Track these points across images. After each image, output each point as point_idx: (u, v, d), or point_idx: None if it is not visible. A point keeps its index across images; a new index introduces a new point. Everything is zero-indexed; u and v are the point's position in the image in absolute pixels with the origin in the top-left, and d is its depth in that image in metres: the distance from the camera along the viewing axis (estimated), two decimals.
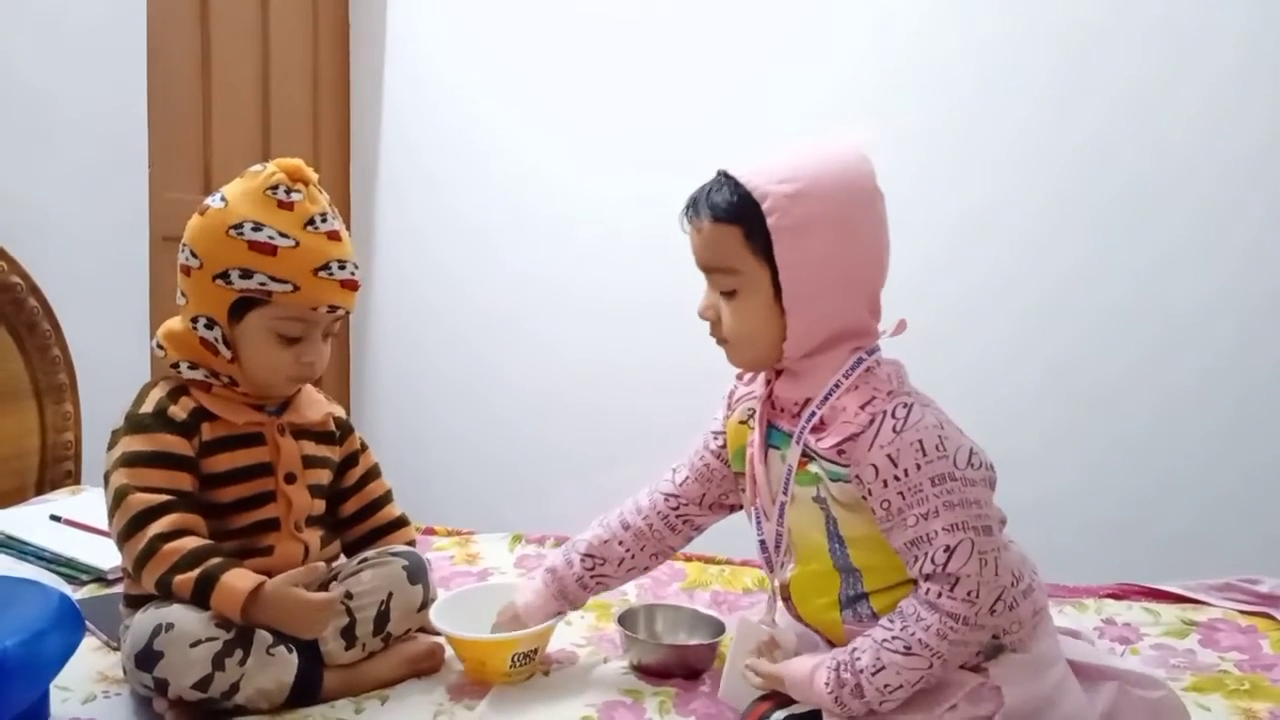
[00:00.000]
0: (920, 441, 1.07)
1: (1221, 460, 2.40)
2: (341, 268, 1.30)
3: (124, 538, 1.24)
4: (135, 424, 1.29)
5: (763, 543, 1.23)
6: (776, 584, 1.23)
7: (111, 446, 1.31)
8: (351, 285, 1.32)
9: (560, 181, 3.03)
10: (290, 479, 1.36)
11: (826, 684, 1.10)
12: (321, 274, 1.28)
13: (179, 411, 1.29)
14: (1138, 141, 2.48)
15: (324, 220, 1.29)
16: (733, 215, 1.13)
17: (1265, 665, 1.44)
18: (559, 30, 3.01)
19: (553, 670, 1.39)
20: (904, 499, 1.08)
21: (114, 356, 2.38)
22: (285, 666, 1.24)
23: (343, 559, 1.47)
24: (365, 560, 1.41)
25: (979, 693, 1.10)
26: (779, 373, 1.20)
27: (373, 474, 1.51)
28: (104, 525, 1.81)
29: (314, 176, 1.32)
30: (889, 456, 1.08)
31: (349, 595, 1.35)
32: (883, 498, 1.09)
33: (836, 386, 1.12)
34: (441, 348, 3.15)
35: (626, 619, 1.45)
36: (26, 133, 2.15)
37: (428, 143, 3.18)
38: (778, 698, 1.18)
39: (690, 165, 2.93)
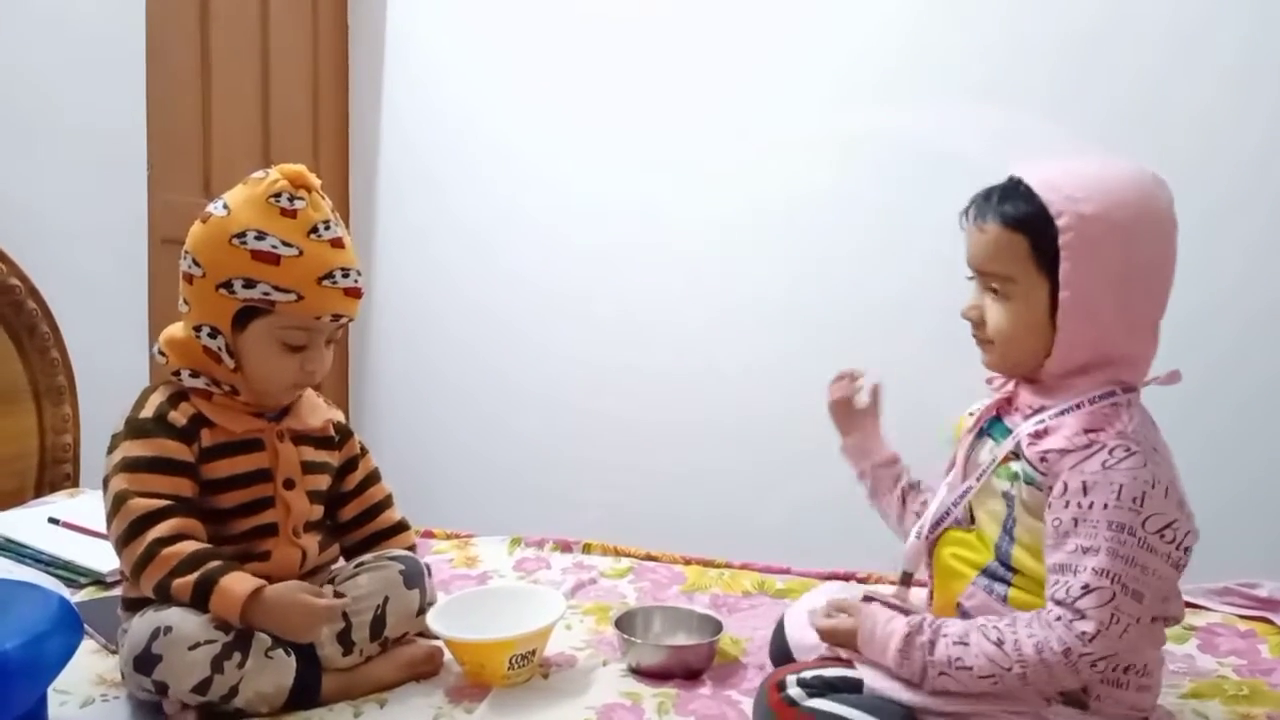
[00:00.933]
0: (1121, 486, 1.06)
1: (1220, 465, 2.39)
2: (345, 275, 1.29)
3: (123, 542, 1.24)
4: (135, 429, 1.29)
5: (939, 513, 1.23)
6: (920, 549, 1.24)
7: (111, 450, 1.30)
8: (355, 293, 1.31)
9: (561, 183, 3.02)
10: (289, 484, 1.35)
11: (907, 626, 1.10)
12: (325, 283, 1.27)
13: (179, 417, 1.29)
14: (1138, 141, 2.47)
15: (327, 228, 1.29)
16: (1022, 224, 1.12)
17: (1264, 670, 1.44)
18: (558, 31, 3.01)
19: (552, 673, 1.39)
20: (1076, 526, 1.07)
21: (113, 359, 2.38)
22: (283, 669, 1.24)
23: (341, 562, 1.47)
24: (362, 564, 1.41)
25: (1023, 716, 1.09)
26: (1031, 380, 1.19)
27: (372, 479, 1.51)
28: (102, 528, 1.81)
29: (317, 183, 1.31)
30: (1084, 483, 1.07)
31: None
32: (1057, 516, 1.08)
33: (1077, 407, 1.11)
34: (441, 349, 3.14)
35: (624, 621, 1.45)
36: (26, 135, 2.16)
37: (427, 145, 3.18)
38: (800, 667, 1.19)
39: (691, 167, 2.96)
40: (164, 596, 1.22)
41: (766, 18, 2.81)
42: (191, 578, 1.21)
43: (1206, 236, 2.42)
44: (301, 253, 1.25)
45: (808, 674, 1.16)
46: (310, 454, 1.40)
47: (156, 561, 1.21)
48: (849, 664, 1.17)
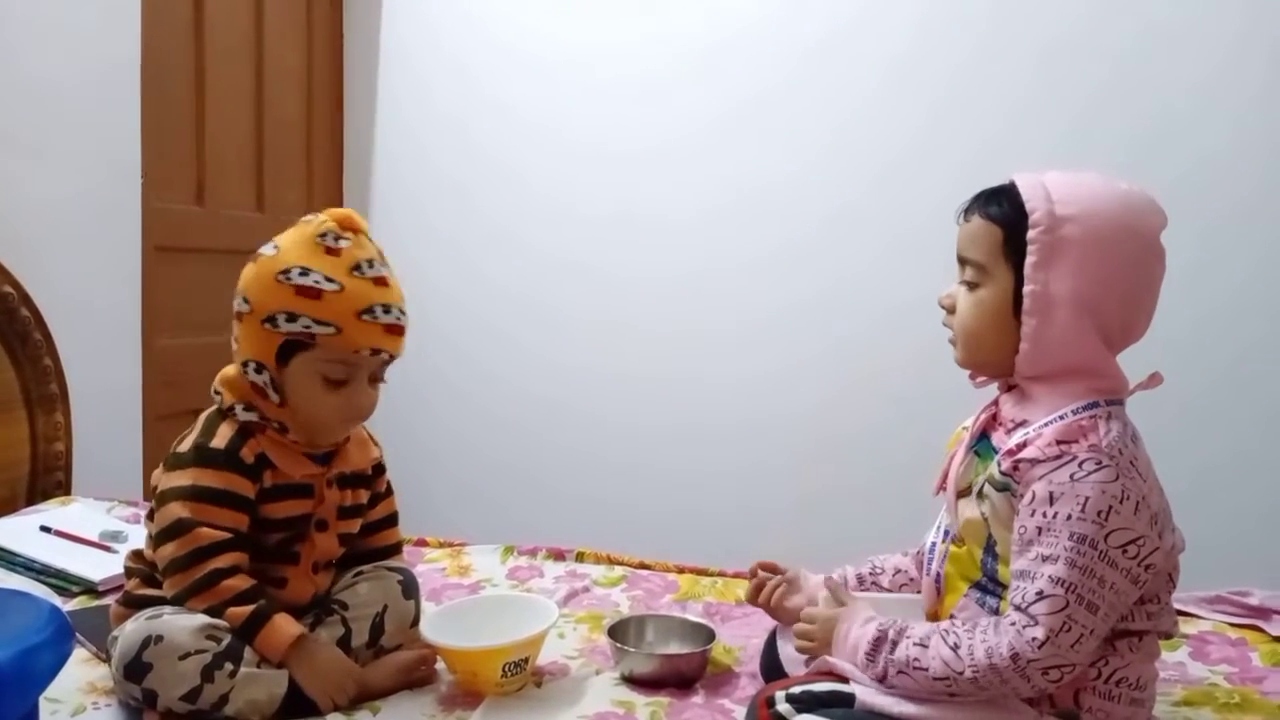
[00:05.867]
0: (1087, 499, 1.06)
1: (1212, 474, 2.40)
2: (386, 312, 1.31)
3: (181, 566, 1.26)
4: (206, 457, 1.30)
5: (940, 530, 1.25)
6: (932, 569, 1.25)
7: (173, 468, 1.31)
8: (396, 330, 1.33)
9: (555, 194, 3.04)
10: (321, 526, 1.38)
11: (879, 629, 1.13)
12: (365, 317, 1.29)
13: (248, 454, 1.31)
14: (1171, 164, 2.48)
15: (370, 266, 1.31)
16: (999, 217, 1.16)
17: (1255, 678, 1.44)
18: (552, 41, 3.02)
19: (545, 682, 1.39)
20: (1039, 534, 1.08)
21: (106, 367, 2.38)
22: (277, 679, 1.25)
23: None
24: (360, 573, 1.42)
25: None
26: (1011, 389, 1.21)
27: (389, 521, 1.52)
28: (93, 536, 1.82)
29: (365, 225, 1.35)
30: (1051, 493, 1.08)
31: (344, 606, 1.36)
32: (1023, 524, 1.10)
33: (1061, 418, 1.12)
34: (436, 356, 3.15)
35: (617, 630, 1.45)
36: (20, 143, 2.15)
37: (421, 152, 3.19)
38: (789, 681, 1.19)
39: (681, 178, 2.97)
40: (211, 616, 1.25)
41: (758, 31, 2.83)
42: (247, 609, 1.25)
43: (1211, 250, 2.44)
44: (343, 288, 1.28)
45: (797, 689, 1.16)
46: (350, 497, 1.42)
47: (215, 590, 1.25)
48: (840, 679, 1.17)
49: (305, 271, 1.27)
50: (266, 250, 1.32)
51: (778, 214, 2.82)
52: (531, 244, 3.07)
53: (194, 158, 2.67)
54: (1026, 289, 1.12)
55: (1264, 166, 2.44)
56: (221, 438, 1.31)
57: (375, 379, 1.37)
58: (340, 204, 3.20)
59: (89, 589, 1.68)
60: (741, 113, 2.84)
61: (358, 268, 1.30)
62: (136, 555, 1.38)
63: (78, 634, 1.32)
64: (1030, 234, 1.11)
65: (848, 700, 1.13)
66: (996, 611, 1.14)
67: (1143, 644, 1.14)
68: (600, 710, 1.30)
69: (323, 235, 1.30)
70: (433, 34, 3.15)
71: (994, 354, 1.18)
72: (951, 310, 1.22)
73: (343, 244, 1.30)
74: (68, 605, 1.58)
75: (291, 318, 1.27)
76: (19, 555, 1.73)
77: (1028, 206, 1.12)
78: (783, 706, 1.14)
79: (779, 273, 2.83)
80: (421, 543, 1.97)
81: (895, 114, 2.71)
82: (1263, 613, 1.63)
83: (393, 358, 1.36)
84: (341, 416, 1.34)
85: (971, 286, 1.19)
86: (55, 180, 2.24)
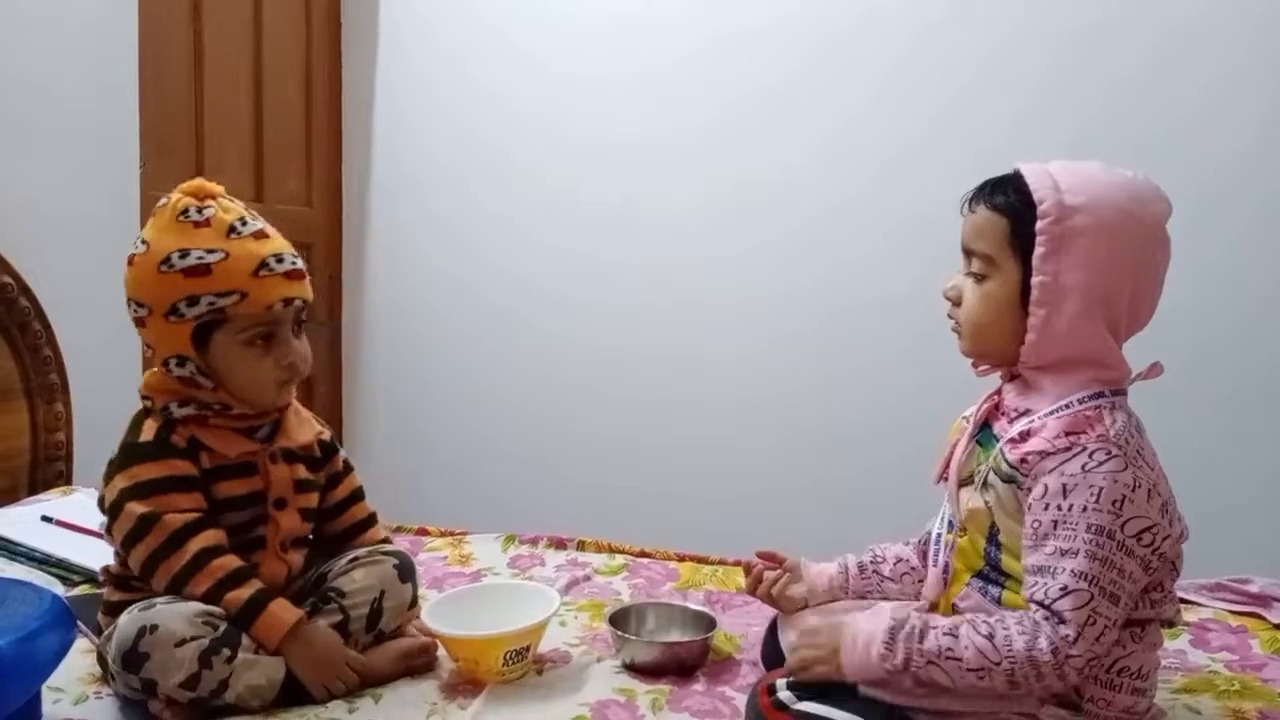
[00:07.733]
0: (1100, 489, 1.06)
1: (1212, 461, 2.40)
2: (279, 261, 1.29)
3: (162, 556, 1.25)
4: (139, 453, 1.29)
5: (943, 520, 1.24)
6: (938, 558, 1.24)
7: (112, 476, 1.30)
8: (297, 275, 1.31)
9: (553, 181, 3.03)
10: (280, 504, 1.36)
11: (891, 619, 1.10)
12: (262, 273, 1.27)
13: (179, 440, 1.30)
14: (1129, 138, 2.48)
15: (244, 224, 1.29)
16: (1006, 208, 1.15)
17: (1255, 665, 1.44)
18: (551, 28, 3.01)
19: (546, 669, 1.39)
20: (1055, 527, 1.07)
21: (106, 356, 2.38)
22: (276, 664, 1.25)
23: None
24: (356, 560, 1.41)
25: (1017, 716, 1.10)
26: (1014, 378, 1.20)
27: (356, 496, 1.50)
28: (94, 526, 1.81)
29: (219, 189, 1.32)
30: (1064, 485, 1.07)
31: (341, 594, 1.35)
32: (1036, 518, 1.09)
33: (1066, 408, 1.11)
34: (435, 345, 3.14)
35: (618, 618, 1.45)
36: (18, 133, 2.15)
37: (420, 141, 3.18)
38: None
39: (680, 171, 2.95)
40: (209, 603, 1.24)
41: (753, 28, 2.81)
42: (244, 594, 1.24)
43: (1195, 232, 2.43)
44: (227, 255, 1.26)
45: (789, 679, 1.16)
46: (302, 472, 1.40)
47: (206, 571, 1.24)
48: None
49: (184, 253, 1.25)
50: (136, 249, 1.29)
51: (781, 202, 2.81)
52: (531, 230, 3.06)
53: (193, 147, 2.67)
54: (1035, 280, 1.11)
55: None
56: (148, 431, 1.30)
57: (298, 330, 1.35)
58: (339, 190, 3.22)
59: (90, 578, 1.68)
60: (741, 107, 2.82)
61: (233, 230, 1.28)
62: (106, 570, 1.37)
63: (79, 623, 1.32)
64: (1039, 224, 1.10)
65: (847, 687, 1.13)
66: (999, 601, 1.14)
67: (1145, 633, 1.14)
68: (601, 698, 1.30)
69: (184, 213, 1.28)
70: (431, 21, 3.13)
71: (1000, 344, 1.18)
72: (957, 302, 1.21)
73: (208, 213, 1.28)
74: (69, 594, 1.59)
75: (192, 301, 1.25)
76: (20, 545, 1.74)
77: (1036, 197, 1.11)
78: (784, 694, 1.14)
79: (782, 259, 2.82)
80: (423, 531, 1.97)
81: (898, 109, 2.69)
82: (1263, 600, 1.63)
83: (306, 304, 1.34)
84: (280, 376, 1.32)
85: (978, 279, 1.18)
86: (54, 170, 2.24)
